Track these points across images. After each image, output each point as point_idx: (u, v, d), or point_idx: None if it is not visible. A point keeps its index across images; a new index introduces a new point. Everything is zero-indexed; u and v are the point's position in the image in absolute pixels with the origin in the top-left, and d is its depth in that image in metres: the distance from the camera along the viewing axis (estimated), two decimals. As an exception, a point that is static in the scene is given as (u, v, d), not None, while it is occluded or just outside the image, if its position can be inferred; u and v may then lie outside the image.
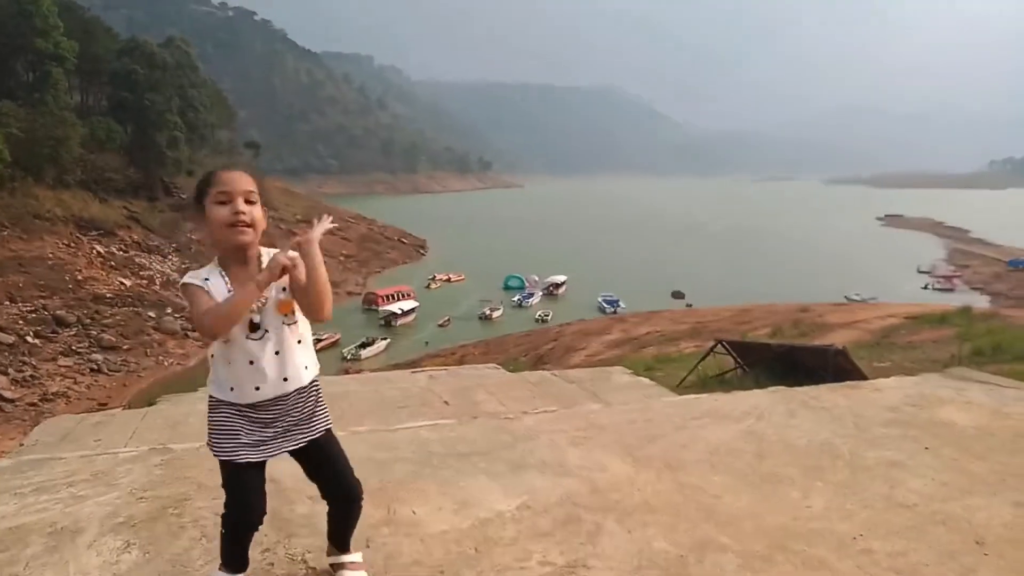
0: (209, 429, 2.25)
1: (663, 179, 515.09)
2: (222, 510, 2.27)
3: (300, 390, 2.26)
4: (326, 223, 2.25)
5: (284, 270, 2.11)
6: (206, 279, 2.15)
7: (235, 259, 2.19)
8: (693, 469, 3.60)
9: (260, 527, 2.29)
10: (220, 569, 2.33)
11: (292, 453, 2.31)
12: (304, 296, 2.17)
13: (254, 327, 2.17)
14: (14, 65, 52.00)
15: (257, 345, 2.18)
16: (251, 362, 2.18)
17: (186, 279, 2.16)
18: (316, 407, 2.33)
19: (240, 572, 2.34)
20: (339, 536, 2.48)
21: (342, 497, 2.40)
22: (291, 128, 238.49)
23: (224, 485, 2.26)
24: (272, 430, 2.23)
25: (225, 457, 2.21)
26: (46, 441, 5.93)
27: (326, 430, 2.35)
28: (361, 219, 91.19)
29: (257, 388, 2.20)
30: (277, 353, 2.21)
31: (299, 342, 2.27)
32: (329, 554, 2.51)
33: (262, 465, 2.27)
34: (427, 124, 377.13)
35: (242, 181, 2.15)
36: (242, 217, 2.12)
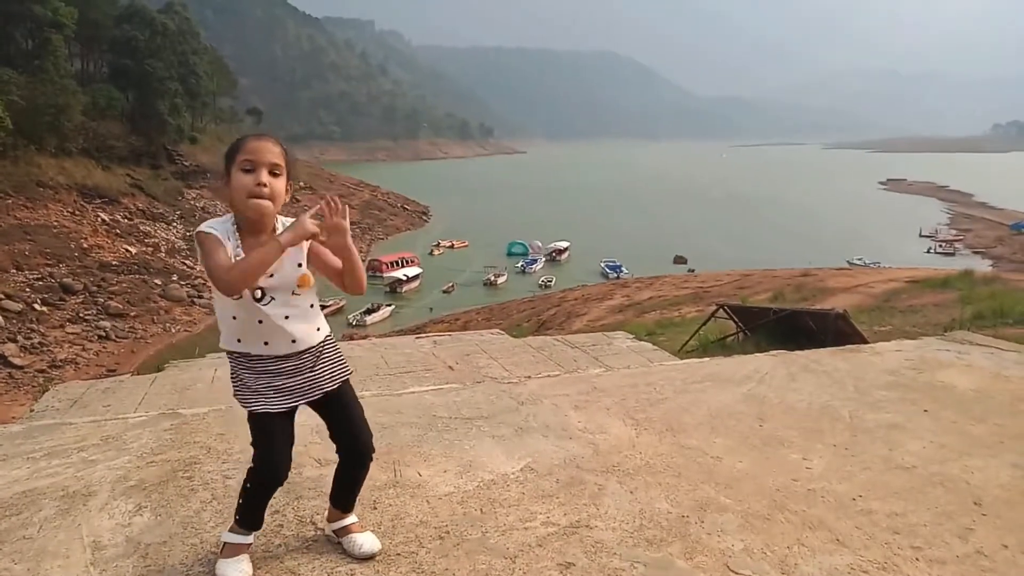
0: (233, 382, 2.27)
1: (663, 144, 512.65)
2: (232, 473, 2.30)
3: (310, 349, 2.28)
4: (346, 212, 2.29)
5: (311, 236, 2.16)
6: (228, 238, 2.15)
7: (250, 226, 2.20)
8: (694, 432, 3.64)
9: (284, 483, 2.31)
10: (233, 530, 2.34)
11: (313, 406, 2.34)
12: (347, 276, 2.28)
13: (260, 296, 2.18)
14: (13, 32, 51.42)
15: (267, 307, 2.19)
16: (260, 321, 2.20)
17: (205, 228, 2.14)
18: (334, 361, 2.36)
19: (255, 530, 2.37)
20: (344, 496, 2.49)
21: (356, 452, 2.42)
22: (293, 95, 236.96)
23: (253, 438, 2.28)
24: (292, 380, 2.25)
25: (251, 408, 2.23)
26: (56, 407, 6.00)
27: (343, 381, 2.37)
28: (364, 186, 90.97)
29: (266, 343, 2.22)
30: (287, 318, 2.22)
31: (311, 306, 2.31)
32: (331, 519, 2.52)
33: (290, 417, 2.29)
34: (428, 90, 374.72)
35: (269, 153, 2.14)
36: (263, 190, 2.13)
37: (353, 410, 2.41)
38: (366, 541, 2.44)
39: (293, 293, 2.24)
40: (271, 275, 2.17)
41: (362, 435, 2.41)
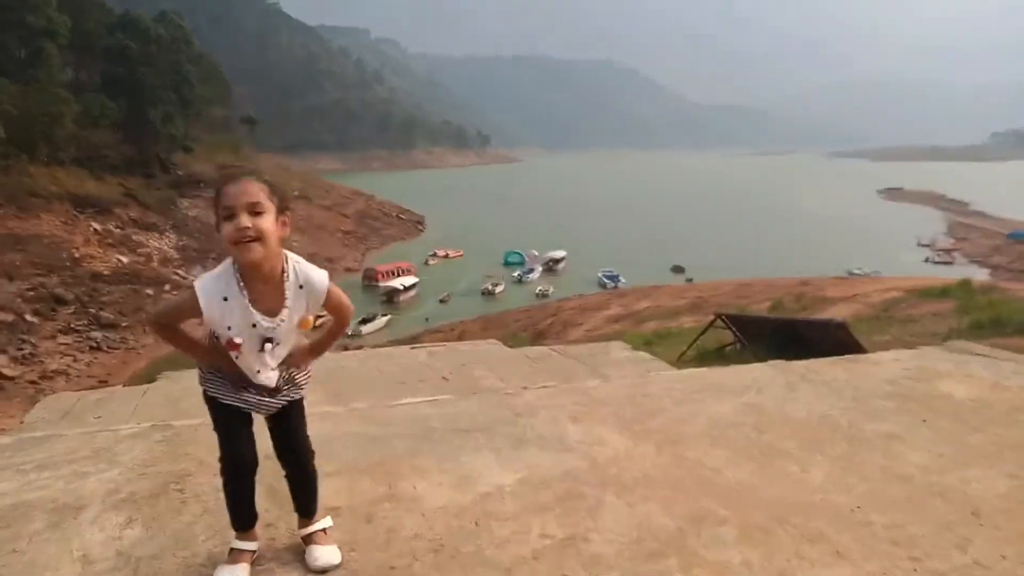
0: (200, 366, 2.31)
1: (661, 153, 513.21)
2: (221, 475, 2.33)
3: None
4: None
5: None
6: (224, 298, 2.10)
7: (253, 272, 2.11)
8: (692, 443, 3.62)
9: (256, 472, 2.35)
10: (236, 535, 2.38)
11: (267, 419, 2.38)
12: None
13: (267, 341, 2.18)
14: (6, 41, 51.49)
15: (268, 354, 2.21)
16: (259, 371, 2.23)
17: (199, 287, 2.09)
18: (294, 377, 2.38)
19: (250, 528, 2.38)
20: (301, 505, 2.48)
21: (291, 461, 2.44)
22: (287, 103, 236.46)
23: (214, 425, 2.31)
24: (256, 389, 2.28)
25: (213, 394, 2.26)
26: (47, 418, 5.95)
27: (300, 398, 2.40)
28: (359, 195, 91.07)
29: (256, 373, 2.26)
30: (278, 361, 2.28)
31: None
32: (300, 525, 2.51)
33: (249, 417, 2.32)
34: (424, 98, 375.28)
35: (245, 193, 2.03)
36: (247, 232, 2.01)
37: (296, 424, 2.42)
38: (322, 554, 2.40)
39: (298, 335, 2.31)
40: (282, 319, 2.18)
41: (296, 444, 2.43)
